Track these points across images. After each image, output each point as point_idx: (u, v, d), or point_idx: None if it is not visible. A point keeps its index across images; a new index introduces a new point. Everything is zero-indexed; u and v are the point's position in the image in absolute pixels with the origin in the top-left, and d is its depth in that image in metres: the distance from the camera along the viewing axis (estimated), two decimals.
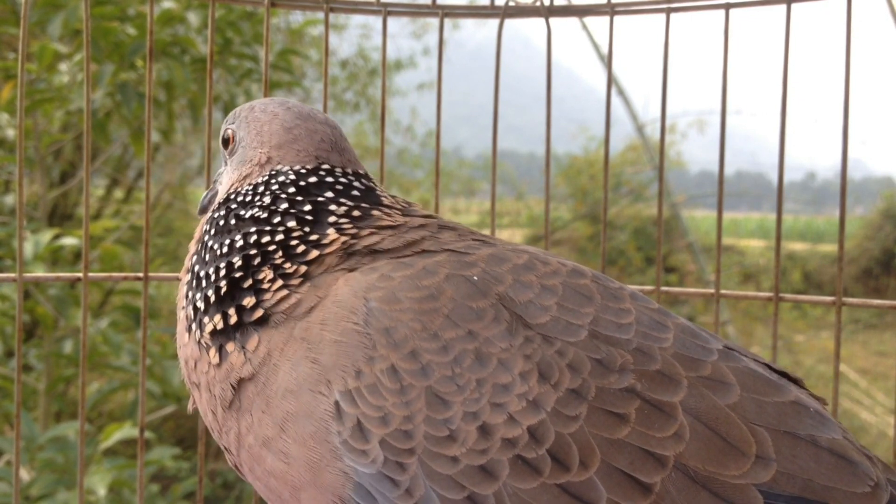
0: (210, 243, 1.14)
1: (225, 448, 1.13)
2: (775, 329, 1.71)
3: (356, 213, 1.13)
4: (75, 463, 2.22)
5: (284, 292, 1.06)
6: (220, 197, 1.23)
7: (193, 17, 3.78)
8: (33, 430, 3.23)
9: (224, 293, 1.09)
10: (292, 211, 1.12)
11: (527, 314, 1.01)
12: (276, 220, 1.11)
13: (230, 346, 1.07)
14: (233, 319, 1.07)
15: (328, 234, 1.10)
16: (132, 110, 3.48)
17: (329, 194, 1.14)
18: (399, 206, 1.18)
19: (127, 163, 5.67)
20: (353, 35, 8.39)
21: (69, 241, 3.47)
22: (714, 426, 0.97)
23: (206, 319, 1.10)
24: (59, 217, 4.98)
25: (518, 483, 0.93)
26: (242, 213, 1.14)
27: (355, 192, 1.16)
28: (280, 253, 1.09)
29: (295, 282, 1.07)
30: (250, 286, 1.08)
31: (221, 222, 1.15)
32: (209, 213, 1.20)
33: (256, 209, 1.13)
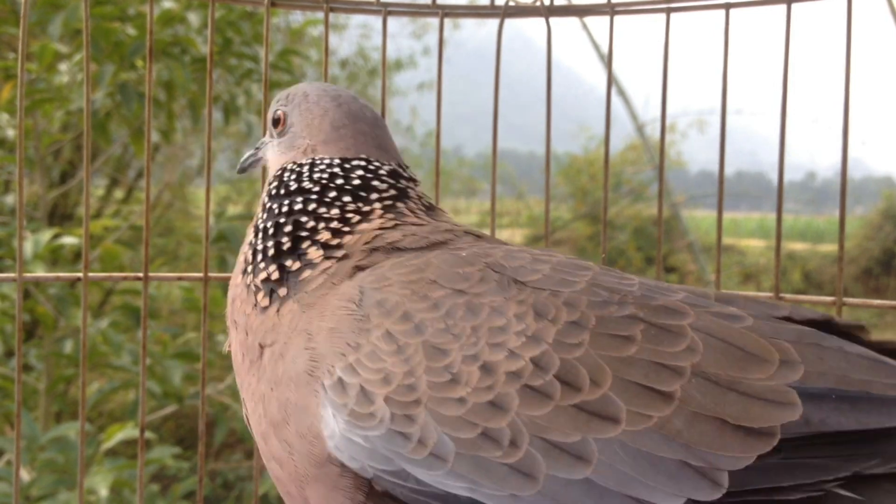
0: (267, 203, 1.23)
1: (242, 398, 1.17)
2: None
3: (393, 191, 1.21)
4: (76, 463, 2.22)
5: (322, 268, 1.12)
6: (270, 172, 1.32)
7: (193, 17, 3.78)
8: (34, 430, 3.23)
9: (288, 248, 1.15)
10: (339, 183, 1.20)
11: (517, 275, 1.03)
12: (332, 194, 1.19)
13: (282, 292, 1.12)
14: (295, 266, 1.13)
15: (374, 208, 1.17)
16: (132, 110, 3.48)
17: (365, 176, 1.22)
18: (425, 206, 1.24)
19: (127, 163, 5.67)
20: (353, 35, 8.39)
21: (69, 240, 3.47)
22: (729, 339, 0.96)
23: (262, 265, 1.16)
24: (59, 217, 4.98)
25: (530, 410, 0.93)
26: (293, 185, 1.22)
27: (388, 182, 1.22)
28: (335, 223, 1.16)
29: (337, 253, 1.13)
30: (308, 247, 1.15)
31: (273, 191, 1.23)
32: (266, 186, 1.28)
33: (307, 182, 1.21)
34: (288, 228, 1.17)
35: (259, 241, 1.19)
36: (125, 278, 1.79)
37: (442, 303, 1.00)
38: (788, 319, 1.05)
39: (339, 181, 1.20)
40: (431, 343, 0.98)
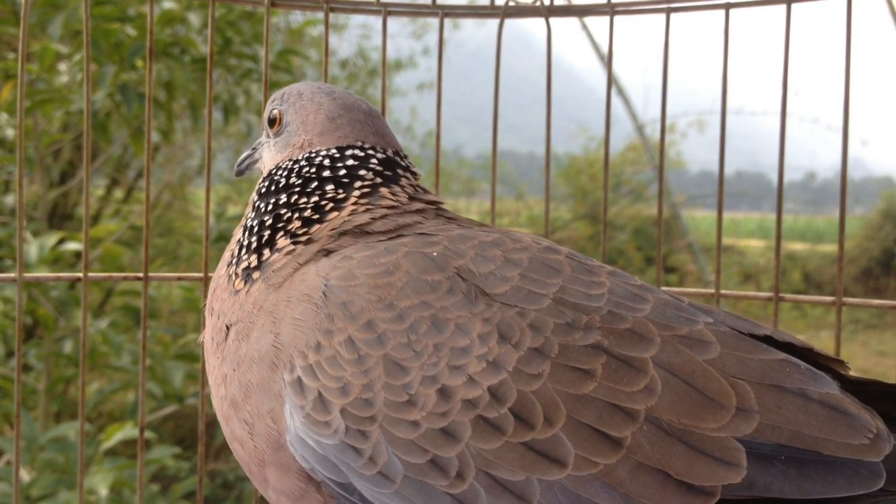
0: (256, 202, 1.25)
1: (211, 382, 1.17)
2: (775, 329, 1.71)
3: (379, 179, 1.21)
4: (76, 463, 2.22)
5: (284, 260, 1.13)
6: (265, 172, 1.33)
7: (193, 17, 3.78)
8: (34, 430, 3.23)
9: (266, 240, 1.17)
10: (325, 175, 1.21)
11: (486, 285, 1.01)
12: (313, 185, 1.20)
13: (255, 275, 1.14)
14: (266, 254, 1.15)
15: (351, 194, 1.18)
16: (132, 110, 3.48)
17: (353, 165, 1.22)
18: (411, 188, 1.23)
19: (127, 163, 5.67)
20: (353, 35, 8.39)
21: (73, 245, 3.48)
22: (689, 380, 0.94)
23: (244, 256, 1.18)
24: (59, 217, 4.97)
25: (481, 443, 0.92)
26: (282, 182, 1.23)
27: (376, 169, 1.22)
28: (308, 212, 1.17)
29: (302, 240, 1.14)
30: (280, 236, 1.17)
31: (263, 190, 1.25)
32: (257, 185, 1.30)
33: (294, 177, 1.23)
34: (269, 222, 1.19)
35: (245, 237, 1.22)
36: (125, 278, 1.79)
37: (407, 314, 0.99)
38: (769, 340, 1.03)
39: (326, 172, 1.21)
40: (392, 357, 0.97)
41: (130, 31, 3.58)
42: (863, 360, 9.00)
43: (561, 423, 0.92)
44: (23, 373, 2.52)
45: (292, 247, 1.14)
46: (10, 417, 3.77)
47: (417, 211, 1.19)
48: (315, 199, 1.19)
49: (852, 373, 1.09)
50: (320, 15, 1.97)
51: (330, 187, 1.19)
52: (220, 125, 4.59)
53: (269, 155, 1.34)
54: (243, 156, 1.44)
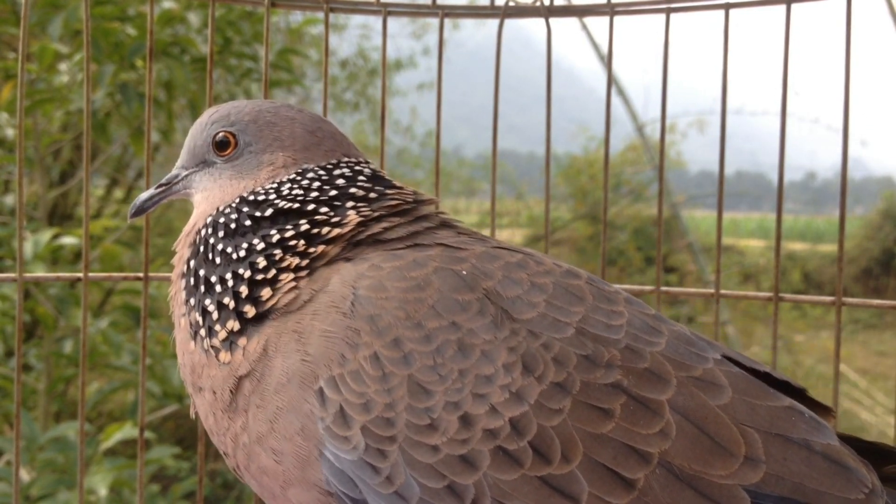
0: (220, 246, 1.12)
1: (224, 453, 1.12)
2: (775, 329, 1.71)
3: (372, 194, 1.15)
4: (76, 463, 2.22)
5: (291, 284, 1.06)
6: (210, 204, 1.19)
7: (193, 17, 3.78)
8: (33, 430, 3.23)
9: (245, 296, 1.07)
10: (322, 198, 1.13)
11: (513, 309, 1.01)
12: (309, 208, 1.12)
13: (241, 341, 1.06)
14: (250, 314, 1.06)
15: (346, 216, 1.11)
16: (132, 110, 3.48)
17: (349, 182, 1.16)
18: (409, 191, 1.20)
19: (127, 163, 5.67)
20: (353, 35, 8.40)
21: (69, 240, 3.47)
22: (702, 425, 0.96)
23: (217, 327, 1.08)
24: (59, 217, 4.97)
25: (499, 474, 0.93)
26: (258, 213, 1.12)
27: (368, 181, 1.18)
28: (303, 241, 1.09)
29: (302, 273, 1.07)
30: (270, 279, 1.08)
31: (233, 225, 1.13)
32: (204, 221, 1.16)
33: (284, 202, 1.13)
34: (247, 274, 1.08)
35: (209, 298, 1.09)
36: (125, 278, 1.79)
37: (435, 336, 0.98)
38: (766, 377, 1.07)
39: (330, 191, 1.14)
40: (417, 379, 0.96)
41: (130, 30, 3.58)
42: (863, 360, 9.00)
43: (577, 460, 0.93)
44: (23, 373, 2.52)
45: (296, 282, 1.07)
46: (10, 417, 3.77)
47: (425, 217, 1.16)
48: (319, 222, 1.11)
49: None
50: (320, 15, 1.97)
51: (327, 209, 1.12)
52: None
53: (219, 183, 1.20)
54: (150, 192, 1.26)
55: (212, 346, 1.08)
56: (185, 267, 1.15)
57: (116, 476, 3.16)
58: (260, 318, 1.06)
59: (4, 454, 3.62)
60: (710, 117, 8.35)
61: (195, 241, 1.16)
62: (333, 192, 1.14)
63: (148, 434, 3.38)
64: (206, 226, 1.15)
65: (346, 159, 1.20)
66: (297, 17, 5.80)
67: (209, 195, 1.21)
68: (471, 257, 1.07)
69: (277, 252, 1.09)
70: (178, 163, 1.26)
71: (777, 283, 1.68)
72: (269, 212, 1.12)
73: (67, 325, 3.67)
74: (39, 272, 3.18)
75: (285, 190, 1.14)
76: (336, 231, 1.10)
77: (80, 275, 1.65)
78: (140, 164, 5.27)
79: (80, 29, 3.42)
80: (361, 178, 1.17)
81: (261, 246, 1.09)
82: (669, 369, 0.99)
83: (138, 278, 1.70)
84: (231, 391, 1.06)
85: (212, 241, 1.13)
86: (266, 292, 1.06)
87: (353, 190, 1.15)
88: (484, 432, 0.94)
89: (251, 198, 1.15)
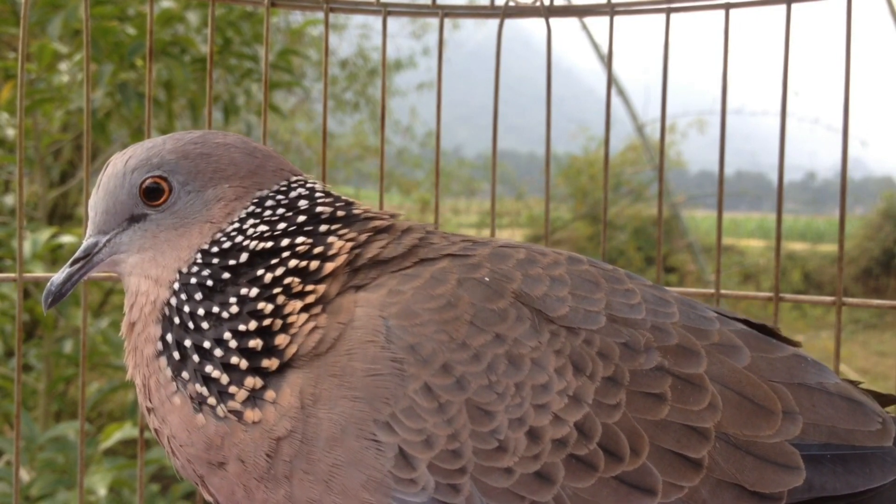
0: (201, 310, 1.00)
1: None
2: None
3: (340, 213, 1.07)
4: (75, 463, 2.22)
5: (311, 325, 0.97)
6: (150, 270, 1.05)
7: (193, 17, 3.78)
8: (33, 430, 3.23)
9: (261, 349, 0.97)
10: (292, 229, 1.03)
11: (546, 308, 0.99)
12: (284, 242, 1.02)
13: (269, 395, 0.96)
14: (274, 367, 0.96)
15: (331, 244, 1.02)
16: (132, 110, 3.48)
17: (311, 202, 1.07)
18: (369, 206, 1.13)
19: None
20: (353, 35, 8.41)
21: (68, 239, 3.47)
22: (740, 390, 0.97)
23: (233, 388, 0.97)
24: (59, 217, 4.97)
25: (576, 483, 0.91)
26: (232, 262, 1.01)
27: (326, 197, 1.09)
28: (297, 279, 1.00)
29: (316, 310, 0.98)
30: (281, 326, 0.98)
31: (210, 282, 1.01)
32: (182, 280, 1.02)
33: (257, 241, 1.02)
34: (253, 326, 0.98)
35: (209, 364, 0.98)
36: None
37: (483, 354, 0.93)
38: (748, 324, 1.09)
39: (299, 217, 1.04)
40: (476, 402, 0.92)
41: (130, 30, 3.59)
42: (863, 360, 9.00)
43: (646, 451, 0.93)
44: (23, 372, 2.51)
45: (318, 310, 0.99)
46: (10, 417, 3.77)
47: (410, 230, 1.09)
48: (302, 254, 1.01)
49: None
50: (320, 15, 1.96)
51: (303, 238, 1.02)
52: (220, 125, 4.58)
53: (161, 238, 1.05)
54: (66, 272, 1.10)
55: (231, 411, 0.97)
56: (160, 345, 1.02)
57: (116, 476, 3.16)
58: (282, 367, 0.97)
59: (4, 454, 3.62)
60: (710, 117, 8.36)
61: (164, 314, 1.02)
62: (302, 218, 1.04)
63: (148, 434, 3.38)
64: (173, 294, 1.02)
65: (294, 178, 1.10)
66: (297, 17, 5.80)
67: (152, 255, 1.06)
68: (484, 262, 1.03)
69: (278, 292, 0.99)
70: (90, 231, 1.10)
71: (777, 283, 1.68)
72: (243, 257, 1.01)
73: (67, 324, 3.67)
74: (38, 271, 3.18)
75: (249, 229, 1.03)
76: (330, 265, 1.01)
77: None
78: None
79: (79, 28, 3.42)
80: (318, 194, 1.08)
81: (255, 292, 0.99)
82: (695, 341, 1.00)
83: None
84: (267, 455, 0.95)
85: (187, 308, 1.00)
86: (282, 339, 0.97)
87: (318, 209, 1.05)
88: (553, 443, 0.92)
89: (214, 249, 1.03)
